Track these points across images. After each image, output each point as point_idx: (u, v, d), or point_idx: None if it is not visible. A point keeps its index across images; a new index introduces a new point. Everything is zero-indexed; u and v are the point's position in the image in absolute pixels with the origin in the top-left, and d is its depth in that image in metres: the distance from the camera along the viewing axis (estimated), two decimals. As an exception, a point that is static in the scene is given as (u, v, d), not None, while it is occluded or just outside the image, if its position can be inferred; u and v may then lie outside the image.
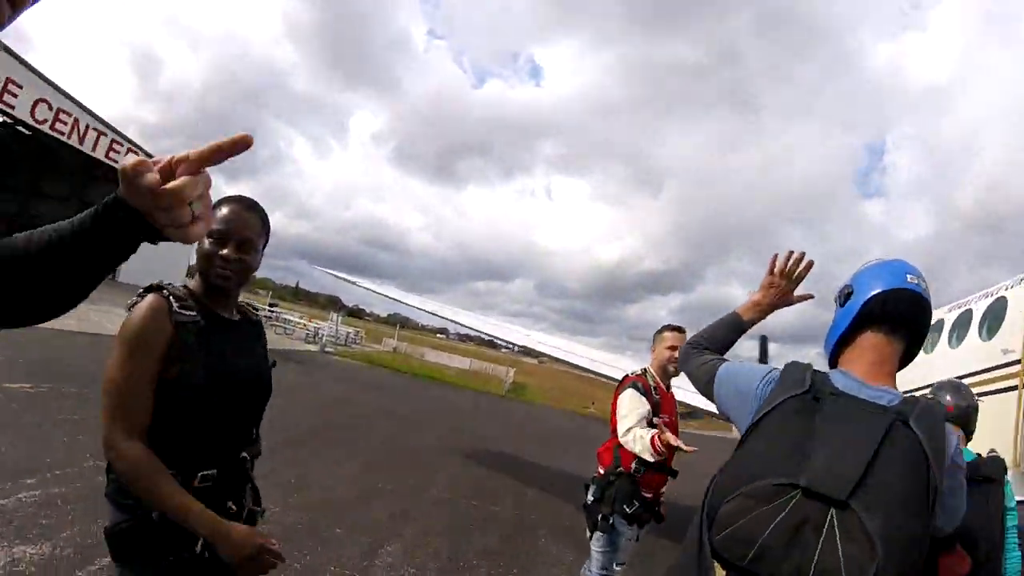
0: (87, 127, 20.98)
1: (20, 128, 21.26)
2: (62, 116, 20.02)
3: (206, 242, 1.38)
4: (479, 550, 4.24)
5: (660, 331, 3.06)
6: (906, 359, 1.29)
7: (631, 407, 2.76)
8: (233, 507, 1.45)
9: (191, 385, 1.33)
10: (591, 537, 2.87)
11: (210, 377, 1.36)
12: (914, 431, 1.06)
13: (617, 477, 2.81)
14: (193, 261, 1.45)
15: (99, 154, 21.60)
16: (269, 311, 25.21)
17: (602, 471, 2.91)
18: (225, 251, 1.38)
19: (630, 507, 2.74)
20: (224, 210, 1.41)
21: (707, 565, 1.10)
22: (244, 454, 1.50)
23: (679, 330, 2.99)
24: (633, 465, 2.75)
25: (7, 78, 17.81)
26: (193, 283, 1.44)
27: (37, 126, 19.59)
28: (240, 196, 1.49)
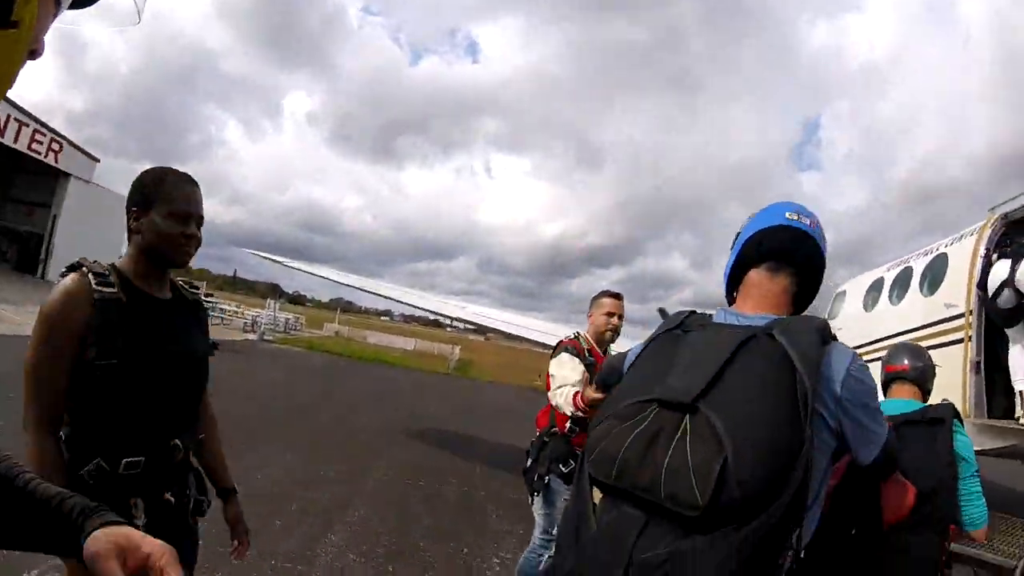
0: (8, 117, 19.40)
1: None
2: None
3: (165, 223, 1.36)
4: (427, 531, 4.18)
5: (597, 296, 3.02)
6: (801, 297, 1.27)
7: (560, 367, 2.75)
8: (171, 498, 1.40)
9: (111, 366, 1.28)
10: (532, 502, 2.89)
11: (131, 357, 1.31)
12: (777, 340, 1.05)
13: (551, 438, 2.83)
14: (126, 245, 1.44)
15: (21, 146, 20.08)
16: (206, 302, 23.95)
17: (538, 434, 2.96)
18: (190, 230, 1.41)
19: (565, 466, 2.74)
20: (181, 188, 1.41)
21: (585, 490, 1.12)
22: (176, 441, 1.42)
23: (617, 296, 2.97)
24: (567, 425, 2.76)
25: None
26: (123, 261, 1.41)
27: None
28: (184, 173, 1.46)
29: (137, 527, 1.23)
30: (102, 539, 0.65)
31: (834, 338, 1.12)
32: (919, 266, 6.08)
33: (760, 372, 1.03)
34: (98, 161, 23.95)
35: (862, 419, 1.08)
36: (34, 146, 20.67)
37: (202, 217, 1.45)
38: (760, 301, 1.23)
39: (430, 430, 8.32)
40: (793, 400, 0.98)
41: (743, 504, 0.92)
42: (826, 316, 6.35)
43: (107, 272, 1.34)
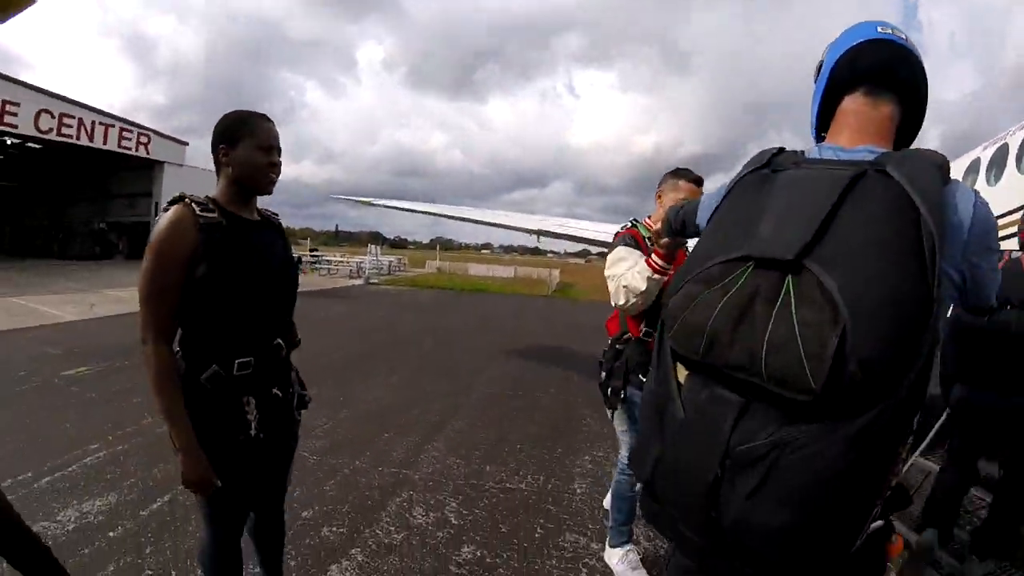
0: (93, 123, 21.41)
1: (30, 144, 21.92)
2: (66, 120, 20.52)
3: (252, 155, 1.53)
4: (524, 435, 4.34)
5: (673, 175, 2.35)
6: (908, 125, 1.04)
7: (617, 264, 2.24)
8: (279, 393, 1.63)
9: (220, 280, 1.45)
10: (612, 418, 2.44)
11: (237, 271, 1.49)
12: (892, 177, 0.84)
13: (625, 345, 2.36)
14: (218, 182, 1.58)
15: (111, 146, 22.12)
16: (311, 256, 25.88)
17: (609, 342, 2.47)
18: (274, 159, 1.58)
19: (645, 375, 2.17)
20: (264, 125, 1.56)
21: (667, 368, 0.97)
22: (278, 341, 1.63)
23: (698, 181, 2.31)
24: (642, 328, 2.28)
25: (2, 100, 18.39)
26: (217, 193, 1.56)
27: (44, 136, 20.17)
28: (260, 112, 1.60)
29: (250, 423, 1.51)
30: None
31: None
32: (1015, 142, 5.16)
33: (877, 217, 0.83)
34: (187, 144, 25.75)
35: (984, 266, 0.90)
36: (124, 143, 22.60)
37: (281, 149, 1.61)
38: (861, 132, 1.00)
39: (530, 347, 8.51)
40: (918, 252, 0.79)
41: (865, 386, 0.75)
42: None
43: (207, 202, 1.50)
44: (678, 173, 2.33)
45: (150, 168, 24.20)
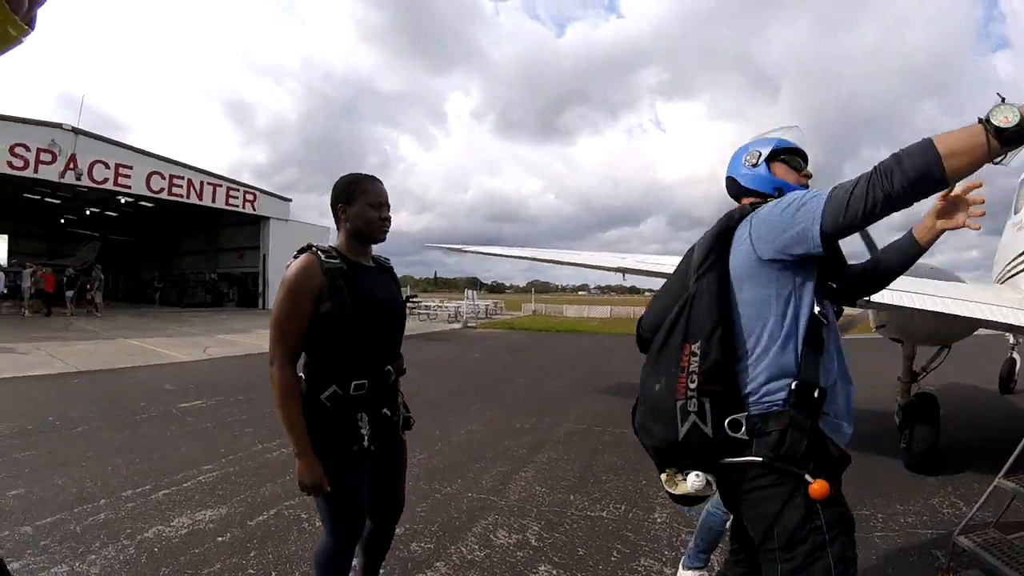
0: (201, 183, 24.13)
1: (143, 203, 24.98)
2: (175, 181, 23.27)
3: (366, 211, 1.82)
4: (608, 467, 4.36)
5: None
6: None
7: None
8: (388, 412, 1.88)
9: (341, 315, 1.71)
10: None
11: (355, 306, 1.73)
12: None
13: None
14: (335, 235, 1.93)
15: (219, 204, 24.78)
16: (411, 302, 27.33)
17: None
18: (385, 214, 1.86)
19: None
20: (375, 185, 1.86)
21: None
22: (388, 368, 1.88)
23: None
24: None
25: (116, 164, 21.27)
26: (337, 243, 1.87)
27: (155, 195, 22.94)
28: (371, 174, 1.90)
29: (363, 436, 1.75)
30: None
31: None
32: None
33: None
34: (290, 200, 28.41)
35: (757, 232, 1.46)
36: (231, 201, 25.13)
37: (389, 204, 1.89)
38: None
39: (620, 384, 8.45)
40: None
41: (644, 338, 1.69)
42: (1012, 211, 5.02)
43: (330, 250, 1.79)
44: None
45: (257, 223, 26.76)
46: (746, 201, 1.58)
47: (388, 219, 1.89)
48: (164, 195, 23.09)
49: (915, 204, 1.19)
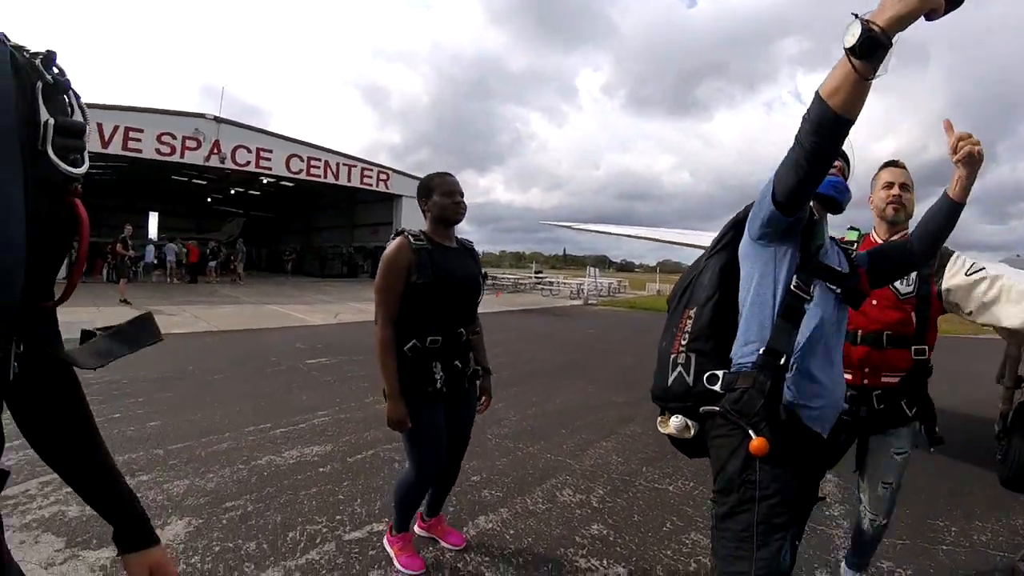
0: (337, 164, 26.07)
1: (284, 182, 27.36)
2: (313, 163, 25.25)
3: (442, 200, 2.25)
4: (691, 446, 4.38)
5: (878, 172, 2.32)
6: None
7: None
8: (458, 364, 2.29)
9: (425, 285, 2.14)
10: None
11: (435, 279, 2.16)
12: None
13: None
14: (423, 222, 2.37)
15: (354, 183, 26.71)
16: (535, 278, 27.94)
17: None
18: (457, 200, 2.28)
19: None
20: (446, 179, 2.30)
21: None
22: (460, 329, 2.28)
23: (896, 164, 2.26)
24: None
25: (257, 148, 23.49)
26: (425, 228, 2.31)
27: (294, 176, 25.08)
28: (445, 172, 2.34)
29: (436, 380, 2.20)
30: (142, 562, 0.88)
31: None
32: None
33: None
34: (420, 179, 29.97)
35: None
36: (366, 180, 26.80)
37: (462, 192, 2.32)
38: None
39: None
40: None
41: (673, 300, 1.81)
42: None
43: (419, 234, 2.24)
44: (880, 167, 2.32)
45: (390, 200, 28.52)
46: None
47: (460, 203, 2.29)
48: (303, 176, 25.33)
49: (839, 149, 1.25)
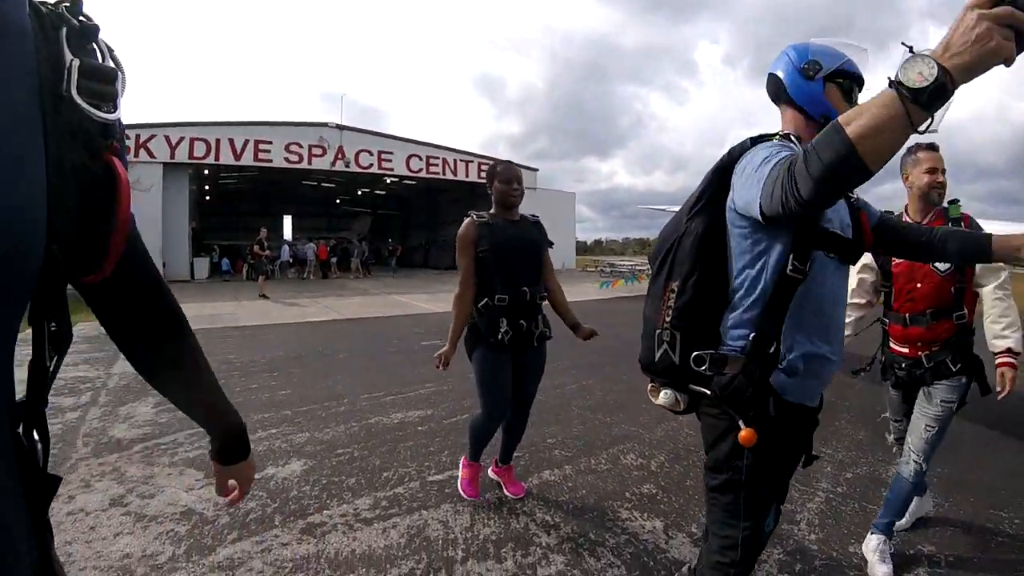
0: (455, 161, 27.41)
1: (406, 181, 29.07)
2: (431, 161, 26.70)
3: (502, 186, 2.71)
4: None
5: (911, 152, 2.40)
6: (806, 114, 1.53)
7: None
8: (523, 323, 2.68)
9: (488, 252, 2.61)
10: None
11: (493, 246, 2.62)
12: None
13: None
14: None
15: (472, 177, 27.76)
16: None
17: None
18: (515, 187, 2.73)
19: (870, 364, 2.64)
20: (507, 169, 2.75)
21: None
22: (524, 288, 2.67)
23: (935, 148, 2.36)
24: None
25: (379, 151, 25.14)
26: (493, 209, 2.77)
27: (415, 174, 26.59)
28: (508, 162, 2.85)
29: (500, 334, 2.64)
30: (242, 470, 0.96)
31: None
32: None
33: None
34: (537, 170, 30.32)
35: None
36: (482, 175, 27.59)
37: (521, 179, 2.75)
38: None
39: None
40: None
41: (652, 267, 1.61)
42: None
43: (484, 214, 2.71)
44: (910, 148, 2.40)
45: None
46: (783, 122, 1.54)
47: (517, 189, 2.73)
48: (423, 174, 27.06)
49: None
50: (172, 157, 21.56)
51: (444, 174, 27.68)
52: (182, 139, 21.72)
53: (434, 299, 14.69)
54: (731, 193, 1.38)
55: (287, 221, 41.35)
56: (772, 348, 1.36)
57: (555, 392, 5.15)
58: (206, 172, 26.69)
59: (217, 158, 22.65)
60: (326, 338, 8.58)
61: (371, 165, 25.86)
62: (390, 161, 26.21)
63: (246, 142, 22.90)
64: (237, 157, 22.88)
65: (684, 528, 2.75)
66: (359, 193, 37.17)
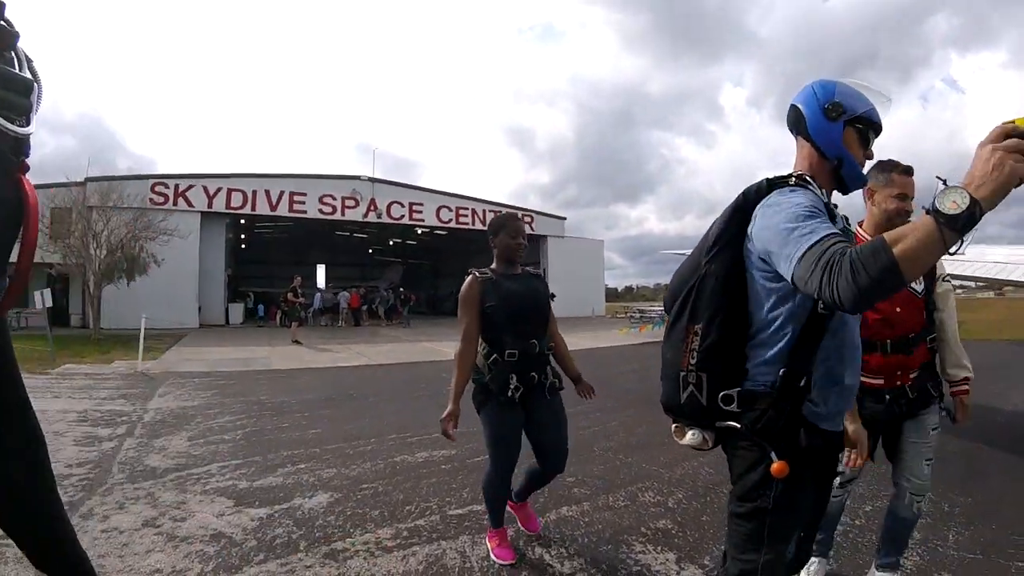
0: (484, 211, 28.11)
1: (437, 231, 29.83)
2: (461, 212, 27.58)
3: (507, 240, 2.71)
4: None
5: (880, 171, 2.23)
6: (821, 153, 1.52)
7: None
8: (535, 376, 2.63)
9: (495, 308, 2.58)
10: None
11: (500, 302, 2.59)
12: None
13: None
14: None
15: None
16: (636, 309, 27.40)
17: None
18: (520, 241, 2.76)
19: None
20: (514, 222, 2.77)
21: None
22: (533, 341, 2.63)
23: (909, 172, 2.21)
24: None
25: (410, 203, 26.00)
26: (493, 265, 2.77)
27: (445, 225, 27.33)
28: (512, 212, 2.95)
29: (510, 390, 2.56)
30: None
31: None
32: None
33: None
34: (565, 219, 31.13)
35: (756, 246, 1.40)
36: None
37: (525, 235, 2.79)
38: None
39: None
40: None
41: (669, 310, 1.58)
42: None
43: (486, 270, 2.69)
44: (884, 166, 2.24)
45: (536, 241, 29.51)
46: (798, 156, 1.56)
47: (522, 244, 2.76)
48: (453, 224, 27.89)
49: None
50: (210, 206, 22.73)
51: (473, 224, 28.40)
52: (219, 189, 22.93)
53: (463, 346, 14.86)
54: (752, 238, 1.39)
55: (320, 270, 42.56)
56: (803, 382, 1.39)
57: (578, 434, 5.19)
58: (242, 221, 27.87)
59: (253, 208, 23.76)
60: (357, 382, 8.85)
61: (402, 216, 26.77)
62: (420, 212, 27.11)
63: (281, 193, 24.06)
64: (273, 208, 24.03)
65: (697, 560, 2.78)
66: (390, 243, 38.13)
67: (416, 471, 4.18)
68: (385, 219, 26.46)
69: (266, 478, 3.98)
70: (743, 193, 1.45)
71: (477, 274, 2.67)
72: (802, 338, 1.37)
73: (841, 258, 1.10)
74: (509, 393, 2.56)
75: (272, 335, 17.54)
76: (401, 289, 28.39)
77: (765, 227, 1.34)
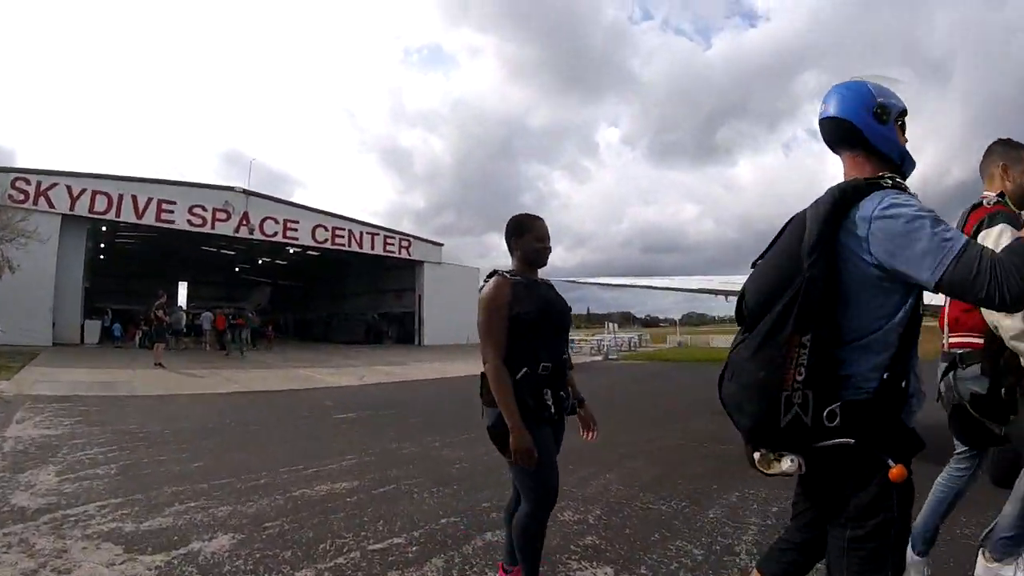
0: (361, 233, 27.21)
1: (310, 252, 28.55)
2: (338, 232, 26.41)
3: (533, 243, 2.33)
4: (688, 475, 4.69)
5: (1011, 148, 2.30)
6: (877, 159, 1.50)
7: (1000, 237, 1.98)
8: (563, 394, 2.30)
9: (528, 314, 2.20)
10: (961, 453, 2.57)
11: (537, 309, 2.23)
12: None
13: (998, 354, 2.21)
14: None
15: (378, 251, 27.76)
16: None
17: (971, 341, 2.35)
18: (549, 245, 2.39)
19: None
20: (538, 223, 2.38)
21: None
22: (566, 356, 2.39)
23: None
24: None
25: (284, 219, 24.47)
26: (513, 267, 2.38)
27: (320, 245, 26.14)
28: (536, 215, 2.41)
29: (550, 406, 2.17)
30: None
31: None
32: None
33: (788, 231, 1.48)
34: (442, 245, 31.02)
35: (892, 248, 1.30)
36: (388, 248, 27.82)
37: (550, 237, 2.40)
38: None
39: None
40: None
41: (752, 315, 1.46)
42: None
43: (513, 271, 2.33)
44: (1011, 143, 2.30)
45: (412, 267, 29.33)
46: (853, 167, 1.50)
47: (549, 248, 2.39)
48: (328, 245, 26.55)
49: None
50: (72, 209, 19.76)
51: (350, 246, 27.18)
52: (84, 191, 20.03)
53: (339, 373, 14.12)
54: (868, 241, 1.31)
55: (182, 287, 38.44)
56: (904, 383, 1.37)
57: (483, 460, 5.08)
58: (104, 228, 24.59)
59: (118, 214, 21.08)
60: (232, 410, 8.02)
61: (276, 233, 24.93)
62: (295, 230, 25.43)
63: (149, 200, 21.56)
64: (139, 215, 21.48)
65: (635, 571, 2.81)
66: (260, 262, 35.53)
67: (321, 505, 3.77)
68: (258, 235, 24.48)
69: (154, 519, 3.39)
70: (839, 191, 1.38)
71: (507, 275, 2.30)
72: (905, 341, 1.36)
73: (1002, 260, 1.17)
74: (552, 411, 2.22)
75: (133, 357, 15.41)
76: (250, 315, 25.94)
77: (890, 231, 1.29)
